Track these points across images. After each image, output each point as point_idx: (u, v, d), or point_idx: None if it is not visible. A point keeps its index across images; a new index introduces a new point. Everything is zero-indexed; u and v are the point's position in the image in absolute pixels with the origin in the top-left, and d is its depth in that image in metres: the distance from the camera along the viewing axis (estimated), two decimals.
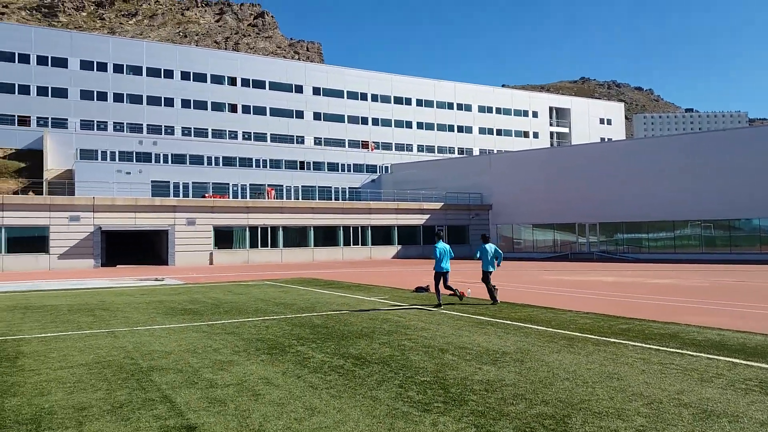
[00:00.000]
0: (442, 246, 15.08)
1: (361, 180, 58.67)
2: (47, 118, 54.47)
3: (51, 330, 11.59)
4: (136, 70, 59.27)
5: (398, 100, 72.57)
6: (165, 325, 12.19)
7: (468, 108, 77.05)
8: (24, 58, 54.36)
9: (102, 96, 57.28)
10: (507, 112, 79.96)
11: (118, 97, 57.95)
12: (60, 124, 54.60)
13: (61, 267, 35.34)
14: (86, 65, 56.88)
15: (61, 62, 55.82)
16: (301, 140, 66.17)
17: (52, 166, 48.80)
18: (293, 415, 5.86)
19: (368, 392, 6.71)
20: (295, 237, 43.29)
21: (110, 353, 9.14)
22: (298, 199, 52.97)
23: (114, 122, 57.38)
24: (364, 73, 71.78)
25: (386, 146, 70.29)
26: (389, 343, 9.78)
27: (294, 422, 5.64)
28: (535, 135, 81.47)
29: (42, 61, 55.08)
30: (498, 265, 15.32)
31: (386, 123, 71.53)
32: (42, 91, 54.80)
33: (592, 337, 10.24)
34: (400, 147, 71.35)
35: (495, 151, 72.81)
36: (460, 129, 76.30)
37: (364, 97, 70.64)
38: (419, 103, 73.96)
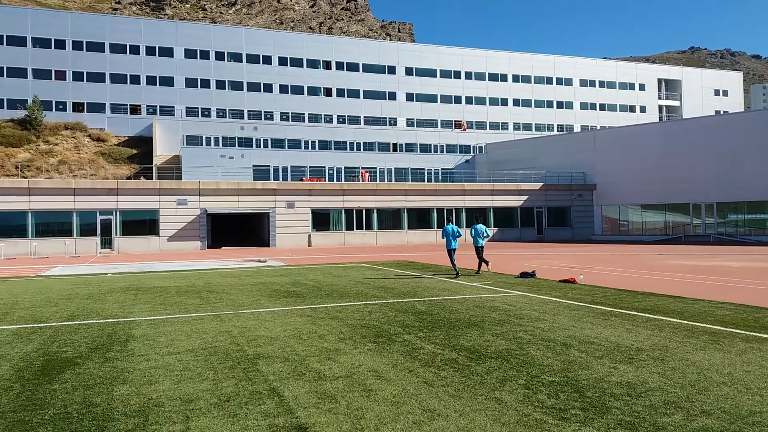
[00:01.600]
0: (450, 228, 18.38)
1: (454, 161, 57.48)
2: (156, 106, 57.45)
3: (160, 312, 11.76)
4: (236, 57, 61.10)
5: (493, 77, 70.28)
6: (269, 308, 12.05)
7: (568, 82, 73.32)
8: (134, 49, 57.50)
9: (205, 83, 59.59)
10: (611, 85, 75.34)
11: (220, 84, 60.08)
12: (167, 111, 57.43)
13: (170, 248, 37.16)
14: (190, 54, 59.32)
15: (167, 52, 58.56)
16: (393, 122, 65.78)
17: (161, 152, 51.44)
18: (411, 418, 5.26)
19: (491, 393, 5.99)
20: (389, 219, 43.06)
21: (216, 338, 8.99)
22: (391, 181, 52.70)
23: (217, 108, 59.61)
24: (458, 50, 70.01)
25: (480, 125, 68.44)
26: (503, 334, 8.98)
27: (413, 426, 5.04)
28: (642, 109, 76.27)
29: (150, 51, 58.02)
30: (485, 239, 18.88)
31: (480, 101, 69.56)
32: (151, 80, 57.80)
33: (739, 331, 8.91)
34: (495, 126, 69.23)
35: (598, 127, 68.88)
36: (560, 105, 72.82)
37: (457, 75, 68.99)
38: (515, 79, 71.24)
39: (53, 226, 35.34)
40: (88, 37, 56.24)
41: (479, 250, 18.62)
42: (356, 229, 41.97)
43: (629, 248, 33.21)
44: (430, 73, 67.94)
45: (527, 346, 8.16)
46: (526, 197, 46.24)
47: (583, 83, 74.11)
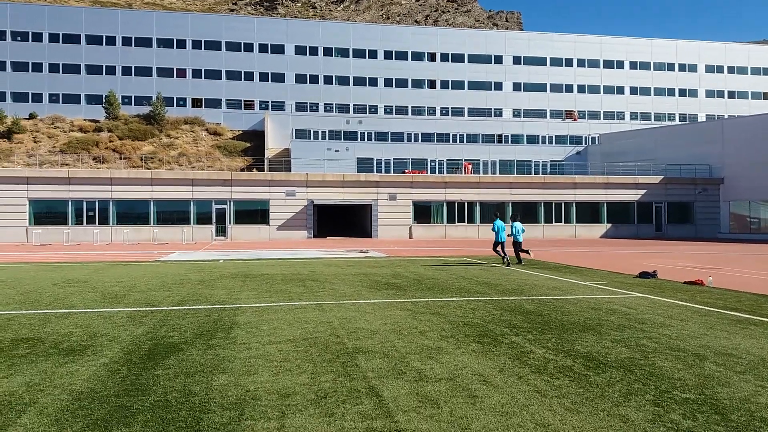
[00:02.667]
0: (499, 223, 20.78)
1: (564, 152, 54.93)
2: (268, 102, 59.75)
3: (265, 299, 11.88)
4: (343, 53, 62.12)
5: (608, 64, 66.41)
6: (370, 299, 11.82)
7: (692, 68, 67.75)
8: (248, 47, 60.08)
9: (314, 79, 61.11)
10: (742, 71, 68.72)
11: (327, 80, 61.38)
12: (278, 106, 59.53)
13: (278, 237, 38.42)
14: (300, 50, 61.05)
15: (278, 49, 60.65)
16: (498, 113, 64.04)
17: (272, 146, 53.40)
18: (521, 431, 4.70)
19: (614, 409, 5.28)
20: (492, 212, 41.82)
21: (317, 329, 8.84)
22: (495, 173, 51.30)
23: (324, 103, 60.99)
24: (570, 36, 66.82)
25: (593, 115, 64.97)
26: (624, 341, 8.10)
27: None
28: None
29: (263, 48, 60.37)
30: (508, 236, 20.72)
31: (594, 90, 66.00)
32: (263, 76, 60.17)
33: None
34: (609, 115, 65.46)
35: (726, 117, 63.10)
36: (683, 92, 67.49)
37: (569, 63, 65.88)
38: (633, 65, 66.89)
39: (173, 214, 37.67)
40: (206, 36, 59.47)
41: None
42: (458, 222, 41.22)
43: (761, 248, 29.97)
44: (539, 61, 65.41)
45: (653, 355, 7.26)
46: (643, 191, 43.20)
47: (710, 69, 68.19)
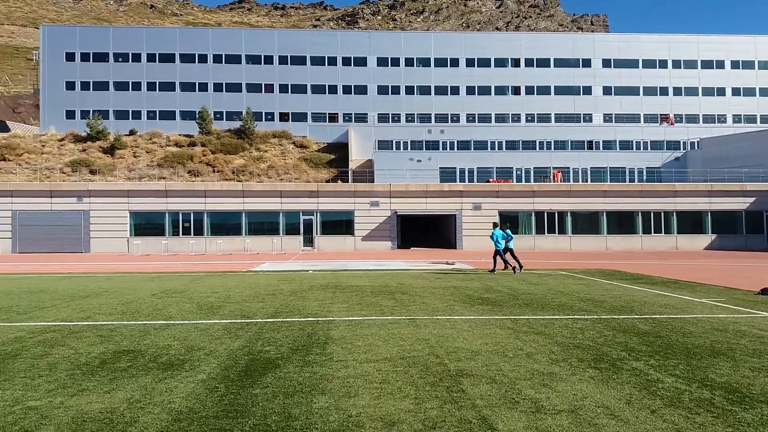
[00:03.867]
0: (498, 232, 21.04)
1: (660, 158, 51.80)
2: (351, 114, 60.47)
3: (356, 312, 11.58)
4: (424, 62, 61.93)
5: (707, 64, 62.29)
6: (465, 315, 11.24)
7: None
8: (332, 61, 61.15)
9: (395, 90, 61.27)
10: None
11: (409, 90, 61.35)
12: (361, 118, 60.09)
13: (363, 248, 38.47)
14: (382, 62, 61.44)
15: (361, 61, 61.33)
16: (588, 118, 61.51)
17: (356, 157, 53.87)
18: None
19: None
20: (585, 223, 39.99)
21: (414, 347, 8.38)
22: (586, 181, 49.11)
23: (406, 114, 60.96)
24: (663, 37, 63.30)
25: (691, 119, 61.04)
26: (766, 369, 7.08)
27: None
28: None
29: (346, 62, 61.25)
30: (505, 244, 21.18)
31: (691, 92, 62.07)
32: (346, 89, 61.00)
33: None
34: (709, 119, 61.28)
35: None
36: None
37: (663, 64, 62.37)
38: (734, 65, 62.37)
39: (263, 225, 38.63)
40: (291, 51, 61.10)
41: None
42: (548, 233, 39.66)
43: None
44: (630, 64, 62.37)
45: None
46: (752, 199, 39.87)
47: None
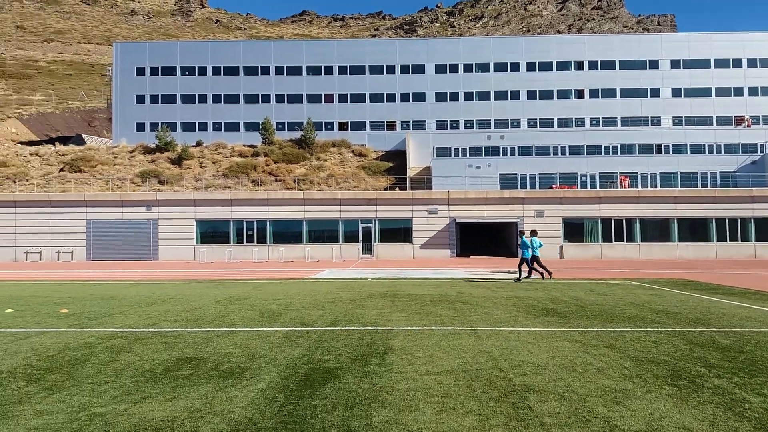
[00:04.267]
0: (525, 240, 20.93)
1: (735, 162, 49.09)
2: (409, 122, 60.46)
3: (416, 322, 11.37)
4: (483, 68, 61.25)
5: None
6: (529, 327, 10.83)
7: None
8: (390, 69, 61.39)
9: (454, 96, 60.86)
10: None
11: (468, 96, 60.81)
12: (419, 125, 59.98)
13: (421, 255, 38.21)
14: (440, 69, 61.19)
15: (419, 69, 61.29)
16: (656, 121, 59.11)
17: (414, 164, 53.76)
18: None
19: None
20: (655, 230, 38.30)
21: (476, 359, 8.09)
22: (655, 187, 47.11)
23: (465, 120, 60.42)
24: (737, 35, 60.20)
25: None
26: None
27: None
28: None
29: (404, 69, 61.35)
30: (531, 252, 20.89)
31: None
32: (404, 97, 61.07)
33: None
34: None
35: None
36: None
37: (737, 63, 59.26)
38: None
39: (323, 232, 39.04)
40: (350, 61, 61.75)
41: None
42: (615, 240, 38.22)
43: None
44: (701, 64, 59.58)
45: None
46: None
47: None
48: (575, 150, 53.25)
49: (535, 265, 20.87)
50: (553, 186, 45.36)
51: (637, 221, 38.16)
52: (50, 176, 50.00)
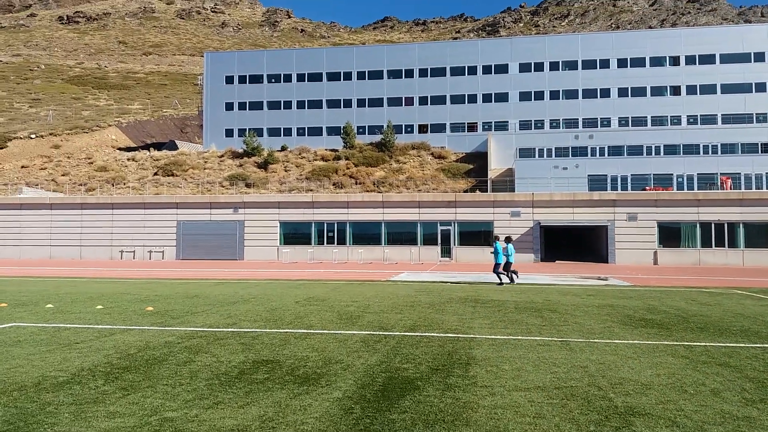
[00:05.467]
0: (499, 246, 20.78)
1: None
2: (491, 122, 59.14)
3: (500, 330, 10.69)
4: (571, 65, 58.95)
5: None
6: (627, 339, 9.89)
7: None
8: (472, 70, 60.35)
9: (539, 95, 58.96)
10: None
11: (554, 95, 58.72)
12: (501, 126, 58.54)
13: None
14: (524, 68, 59.47)
15: (502, 68, 59.84)
16: (762, 118, 54.57)
17: (495, 166, 52.47)
18: None
19: None
20: (761, 235, 35.16)
21: (570, 374, 7.35)
22: (761, 188, 43.40)
23: (550, 119, 58.36)
24: None
25: None
26: None
27: None
28: None
29: (486, 70, 60.10)
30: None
31: None
32: (486, 98, 59.80)
33: None
34: None
35: None
36: None
37: None
38: None
39: (402, 235, 38.73)
40: (431, 64, 61.23)
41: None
42: (715, 246, 35.43)
43: None
44: None
45: None
46: None
47: None
48: (670, 149, 50.07)
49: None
50: (647, 188, 42.80)
51: (741, 225, 35.19)
52: (145, 180, 52.78)
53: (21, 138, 64.67)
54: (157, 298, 15.88)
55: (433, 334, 10.21)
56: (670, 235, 36.01)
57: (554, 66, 59.07)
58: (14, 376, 7.08)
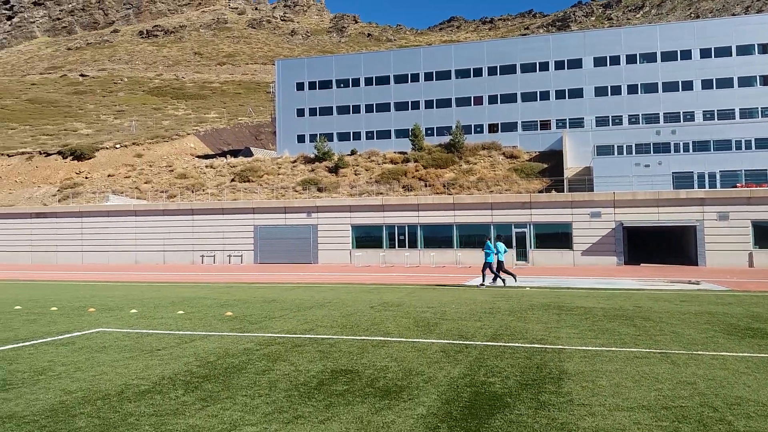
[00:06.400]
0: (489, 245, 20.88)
1: None
2: (565, 120, 57.15)
3: (590, 341, 9.97)
4: (649, 58, 56.13)
5: None
6: (735, 351, 8.96)
7: None
8: (543, 66, 58.56)
9: (615, 90, 56.47)
10: None
11: (632, 89, 56.06)
12: (576, 123, 56.45)
13: (583, 263, 35.53)
14: (599, 62, 57.15)
15: (575, 63, 57.75)
16: None
17: (571, 165, 50.61)
18: None
19: None
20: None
21: (677, 392, 6.64)
22: None
23: (629, 115, 55.72)
24: None
25: None
26: None
27: None
28: None
29: (559, 65, 58.17)
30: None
31: None
32: (559, 94, 57.86)
33: None
34: None
35: None
36: None
37: None
38: None
39: (474, 237, 37.90)
40: (500, 61, 59.91)
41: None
42: None
43: None
44: None
45: None
46: None
47: None
48: (763, 143, 46.64)
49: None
50: (738, 185, 40.00)
51: None
52: (222, 186, 54.46)
53: (107, 148, 68.39)
54: (236, 303, 16.06)
55: (517, 345, 9.65)
56: (767, 235, 33.40)
57: (631, 59, 56.42)
58: (99, 383, 7.13)
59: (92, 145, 69.02)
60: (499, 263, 21.06)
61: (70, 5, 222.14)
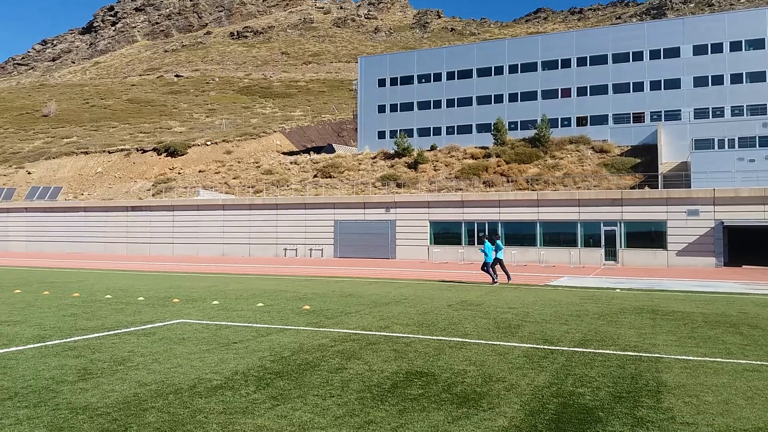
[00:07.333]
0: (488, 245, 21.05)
1: None
2: (660, 112, 53.85)
3: (691, 349, 9.06)
4: (756, 44, 51.82)
5: None
6: None
7: None
8: (637, 56, 55.44)
9: (717, 80, 52.56)
10: None
11: (735, 78, 51.98)
12: (673, 115, 53.07)
13: (678, 264, 33.28)
14: (699, 50, 53.38)
15: (673, 52, 54.25)
16: None
17: (666, 160, 47.64)
18: None
19: None
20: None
21: None
22: None
23: (731, 106, 51.70)
24: None
25: None
26: None
27: None
28: None
29: (654, 55, 54.87)
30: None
31: None
32: (654, 85, 54.58)
33: None
34: None
35: None
36: None
37: None
38: None
39: (558, 235, 36.43)
40: (590, 52, 57.28)
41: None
42: None
43: None
44: None
45: None
46: None
47: None
48: None
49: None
50: None
51: None
52: (306, 182, 55.54)
53: (199, 145, 71.58)
54: (314, 296, 16.09)
55: (608, 352, 8.90)
56: None
57: (735, 46, 52.29)
58: (173, 377, 7.15)
59: (185, 142, 72.45)
60: (498, 260, 21.25)
61: (167, 10, 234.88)
